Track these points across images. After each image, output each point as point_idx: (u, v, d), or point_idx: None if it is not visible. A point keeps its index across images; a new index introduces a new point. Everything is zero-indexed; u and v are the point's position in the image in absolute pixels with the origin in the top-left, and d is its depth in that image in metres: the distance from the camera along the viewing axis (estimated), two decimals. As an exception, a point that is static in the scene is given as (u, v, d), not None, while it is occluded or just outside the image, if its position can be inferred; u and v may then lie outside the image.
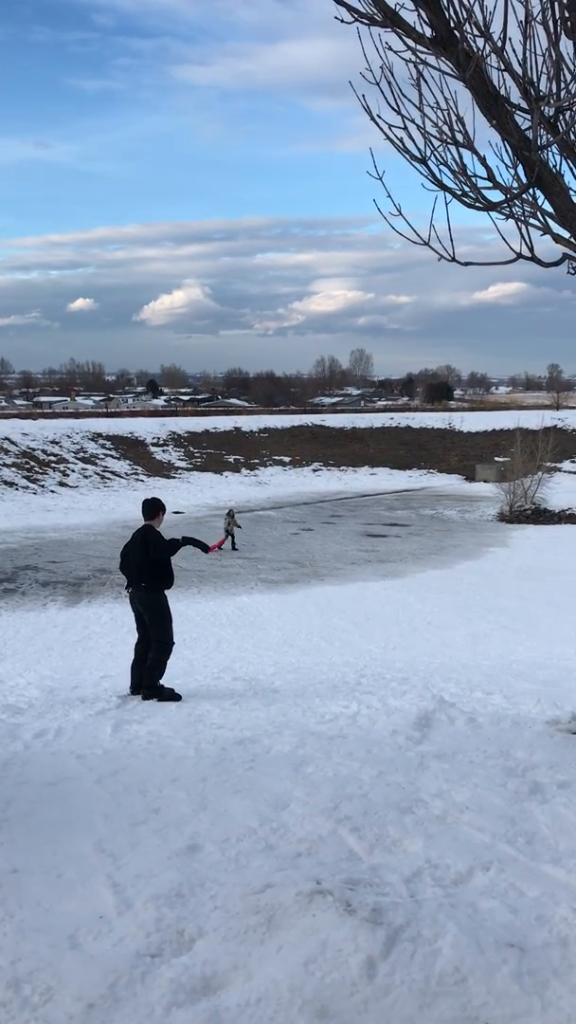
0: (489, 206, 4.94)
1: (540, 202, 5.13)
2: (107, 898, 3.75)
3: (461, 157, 5.01)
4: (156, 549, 8.94)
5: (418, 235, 5.66)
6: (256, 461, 48.40)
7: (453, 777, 5.15)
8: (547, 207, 5.36)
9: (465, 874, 3.80)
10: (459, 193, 5.04)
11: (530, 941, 3.14)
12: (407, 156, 4.80)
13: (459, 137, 5.43)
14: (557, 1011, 2.79)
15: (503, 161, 5.57)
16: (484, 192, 5.56)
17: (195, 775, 5.65)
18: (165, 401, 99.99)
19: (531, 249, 5.59)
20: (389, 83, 4.58)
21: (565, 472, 46.27)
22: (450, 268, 5.70)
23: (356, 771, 5.44)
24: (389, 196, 5.71)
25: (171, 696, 8.98)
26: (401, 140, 4.73)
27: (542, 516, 33.64)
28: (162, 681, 9.22)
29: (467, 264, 5.61)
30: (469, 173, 5.31)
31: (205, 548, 9.68)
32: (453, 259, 5.45)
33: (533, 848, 4.10)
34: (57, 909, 3.67)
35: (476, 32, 4.42)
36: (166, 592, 9.26)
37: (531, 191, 5.00)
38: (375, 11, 4.59)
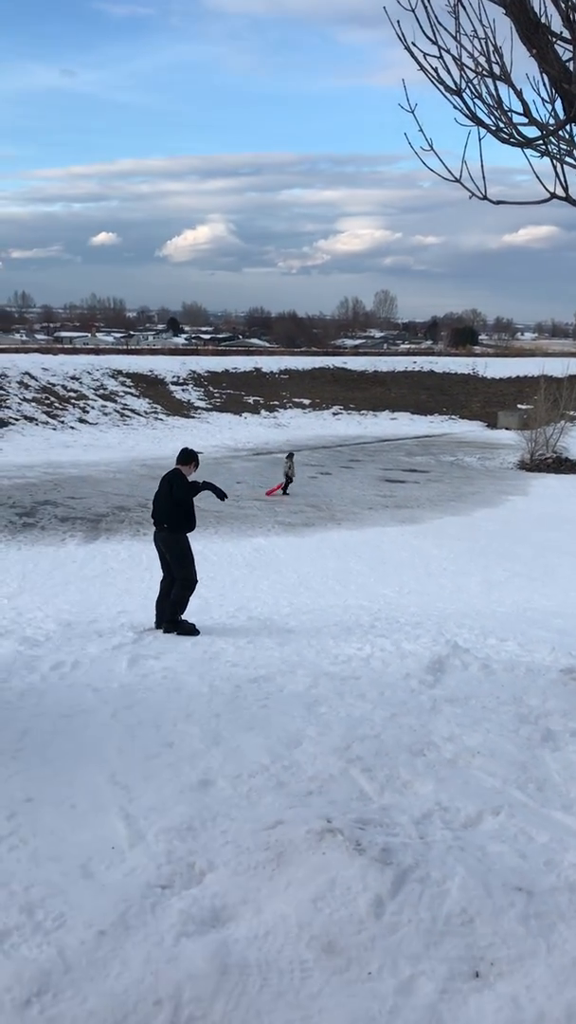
0: (524, 142, 4.77)
1: (578, 138, 4.94)
2: (120, 829, 3.80)
3: (497, 90, 4.83)
4: (179, 489, 9.27)
5: (450, 171, 5.48)
6: (276, 403, 48.11)
7: (465, 722, 5.16)
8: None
9: (475, 818, 3.82)
10: (494, 128, 4.87)
11: (538, 885, 3.16)
12: (441, 88, 4.62)
13: (496, 69, 5.22)
14: (562, 954, 2.81)
15: (540, 96, 5.36)
16: (519, 128, 5.38)
17: (209, 711, 5.70)
18: (185, 339, 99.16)
19: (565, 189, 5.40)
20: (426, 9, 4.38)
21: (588, 421, 45.78)
22: (480, 209, 5.56)
23: (368, 712, 5.47)
24: (421, 130, 5.51)
25: (191, 630, 9.31)
26: (436, 70, 4.55)
27: (563, 465, 33.39)
28: (184, 616, 9.50)
29: (499, 203, 5.44)
30: (505, 107, 5.13)
31: (222, 496, 9.85)
32: (485, 197, 5.28)
33: (544, 794, 4.12)
34: (70, 839, 3.73)
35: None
36: (188, 535, 9.51)
37: (568, 127, 4.81)
38: None
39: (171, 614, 9.42)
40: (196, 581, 9.60)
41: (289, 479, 25.99)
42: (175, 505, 9.29)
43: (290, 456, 26.78)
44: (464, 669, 6.61)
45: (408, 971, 2.73)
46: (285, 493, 25.76)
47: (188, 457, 9.71)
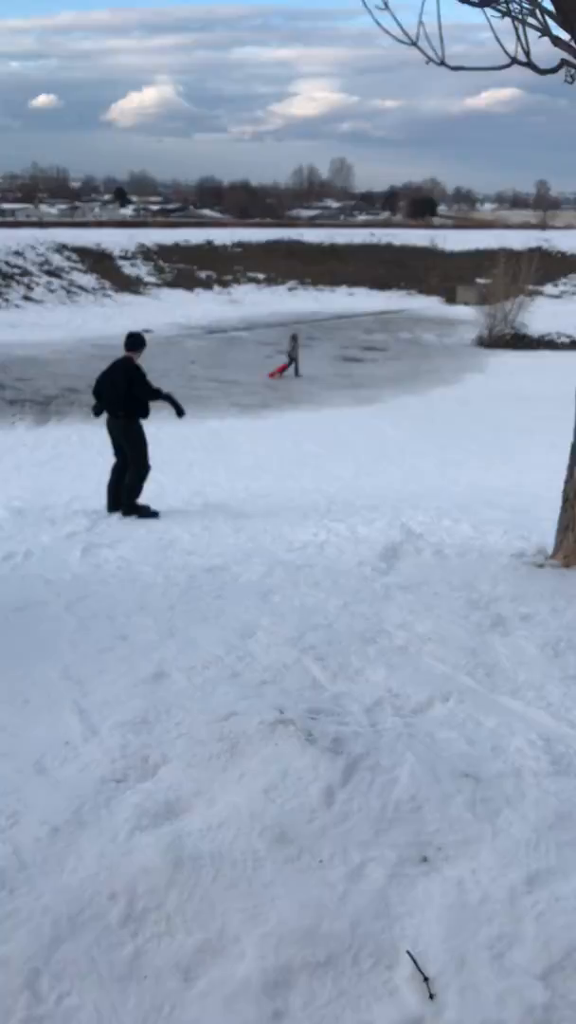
0: (484, 1, 4.45)
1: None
2: (73, 724, 3.82)
3: None
4: (141, 390, 9.36)
5: (405, 33, 5.14)
6: (229, 278, 46.86)
7: (417, 608, 5.22)
8: (547, 5, 4.85)
9: (425, 704, 3.90)
10: (453, -19, 4.53)
11: (485, 771, 3.24)
12: None
13: None
14: (507, 837, 2.91)
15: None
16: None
17: (163, 603, 5.70)
18: (134, 211, 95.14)
19: (527, 54, 5.10)
20: None
21: (547, 296, 45.40)
22: (441, 70, 5.21)
23: (322, 601, 5.50)
24: (375, -18, 5.13)
25: (149, 513, 9.51)
26: None
27: (521, 341, 33.23)
28: (140, 501, 9.66)
29: (457, 68, 5.13)
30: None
31: (181, 412, 9.94)
32: (442, 63, 4.97)
33: (492, 680, 4.20)
34: (23, 735, 3.74)
35: None
36: (142, 421, 9.59)
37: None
38: None
39: (127, 499, 9.56)
40: (149, 468, 9.77)
41: (292, 360, 25.55)
42: (132, 397, 9.33)
43: (294, 337, 26.34)
44: (417, 555, 6.66)
45: (358, 858, 2.80)
46: (297, 375, 25.39)
47: (138, 343, 9.70)
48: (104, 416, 9.73)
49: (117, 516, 9.43)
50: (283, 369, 25.72)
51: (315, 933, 2.53)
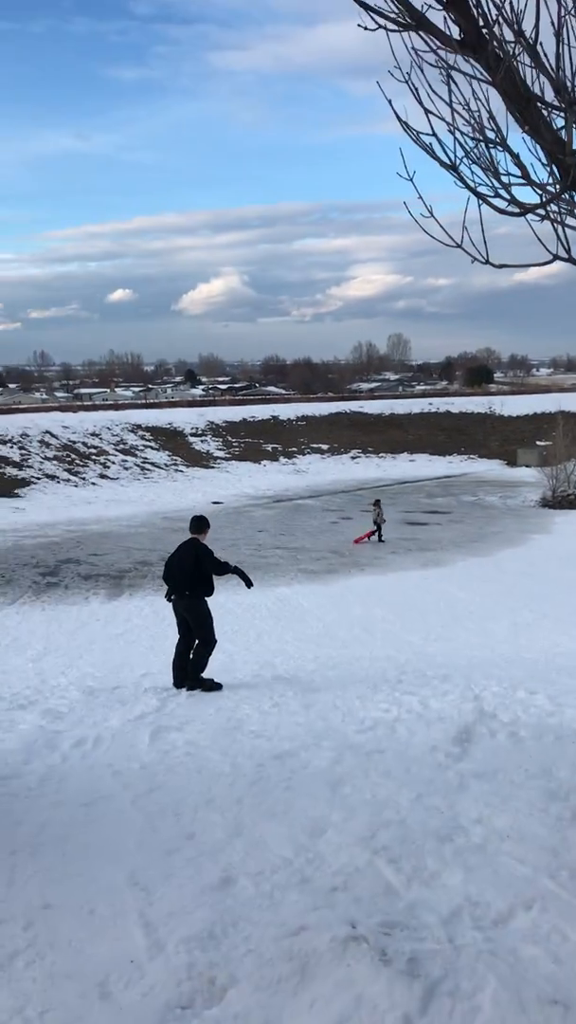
0: (523, 210, 4.75)
1: (576, 201, 4.92)
2: (139, 939, 3.68)
3: (493, 159, 4.82)
4: (211, 566, 9.74)
5: (451, 237, 5.47)
6: (294, 449, 48.32)
7: (493, 801, 5.01)
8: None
9: (506, 914, 3.67)
10: (492, 196, 4.86)
11: (574, 996, 3.01)
12: (437, 162, 4.63)
13: (491, 135, 5.24)
14: (602, 1078, 2.66)
15: (539, 159, 5.37)
16: (518, 192, 5.36)
17: (231, 796, 5.57)
18: (203, 390, 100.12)
19: (568, 251, 5.38)
20: (415, 89, 4.40)
21: (608, 455, 45.50)
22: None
23: (394, 793, 5.31)
24: (420, 198, 5.53)
25: (213, 686, 9.66)
26: (430, 146, 4.55)
27: (585, 501, 33.10)
28: (205, 674, 9.82)
29: (501, 267, 5.42)
30: (502, 172, 5.13)
31: (250, 584, 10.34)
32: (487, 262, 5.25)
33: (576, 883, 3.96)
34: (88, 951, 3.62)
35: (507, 32, 4.22)
36: (208, 600, 9.93)
37: (568, 194, 4.79)
38: (400, 12, 4.41)
39: (194, 673, 9.73)
40: (215, 642, 10.00)
41: (378, 525, 26.02)
42: (201, 576, 9.68)
43: (377, 503, 26.94)
44: (491, 737, 6.45)
45: None
46: (380, 540, 25.83)
47: (202, 525, 10.12)
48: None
49: (185, 693, 9.47)
50: (369, 535, 26.08)
51: None
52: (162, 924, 3.79)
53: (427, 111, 4.60)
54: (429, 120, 4.46)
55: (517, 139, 4.99)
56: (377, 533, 26.04)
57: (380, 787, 5.47)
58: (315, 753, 6.54)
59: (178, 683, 9.80)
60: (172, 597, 9.98)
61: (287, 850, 4.51)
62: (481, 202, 5.27)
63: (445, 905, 3.74)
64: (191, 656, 9.87)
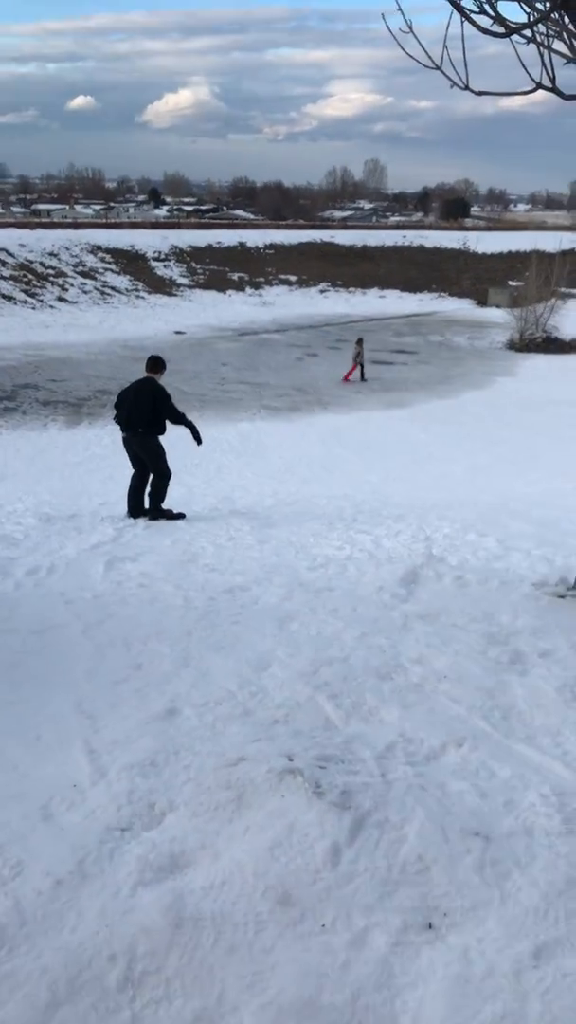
0: (508, 31, 4.36)
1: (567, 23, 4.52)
2: (83, 765, 3.79)
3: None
4: (167, 411, 9.84)
5: (431, 59, 5.03)
6: (261, 279, 46.87)
7: (435, 641, 5.15)
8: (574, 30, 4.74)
9: (438, 750, 3.82)
10: (476, 12, 4.44)
11: (495, 829, 3.17)
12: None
13: None
14: (515, 903, 2.84)
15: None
16: (505, 9, 4.92)
17: (180, 628, 5.67)
18: (167, 212, 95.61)
19: (552, 79, 5.00)
20: None
21: (580, 299, 44.83)
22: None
23: (339, 631, 5.44)
24: (400, 9, 5.06)
25: (175, 516, 9.97)
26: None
27: (553, 345, 32.88)
28: (165, 505, 10.11)
29: (481, 93, 5.04)
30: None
31: (199, 441, 10.34)
32: (467, 87, 4.89)
33: (508, 723, 4.12)
34: (33, 775, 3.72)
35: None
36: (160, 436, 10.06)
37: (558, 13, 4.40)
38: None
39: (153, 504, 9.99)
40: (171, 473, 10.20)
41: (360, 364, 25.64)
42: (155, 415, 9.76)
43: (359, 342, 26.39)
44: (438, 581, 6.58)
45: (362, 923, 2.75)
46: (363, 379, 25.50)
47: (159, 365, 10.09)
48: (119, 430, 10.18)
49: (143, 524, 9.60)
50: (350, 374, 25.77)
51: (315, 1004, 2.48)
52: (106, 751, 3.90)
53: None
54: None
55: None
56: (360, 371, 25.73)
57: (326, 624, 5.59)
58: (266, 588, 6.65)
59: (132, 513, 10.00)
60: (120, 423, 10.03)
61: (232, 683, 4.63)
62: (464, 19, 4.84)
63: (380, 740, 3.88)
64: (149, 489, 10.05)
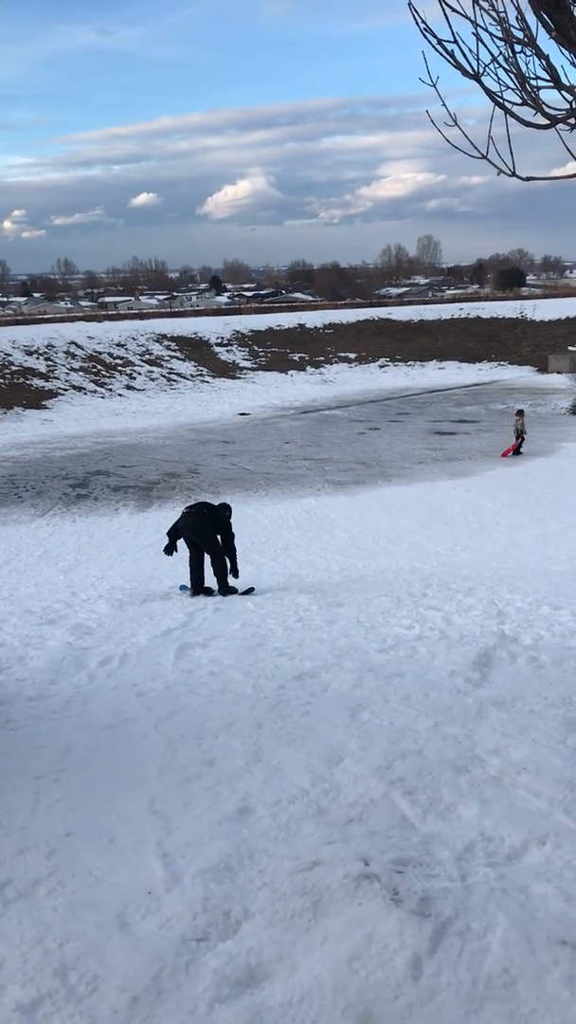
0: (551, 122, 4.44)
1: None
2: (157, 870, 3.75)
3: (518, 64, 4.48)
4: (227, 534, 10.76)
5: (476, 148, 5.17)
6: (321, 358, 47.63)
7: (511, 730, 5.01)
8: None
9: (519, 849, 3.69)
10: (519, 104, 4.54)
11: (584, 937, 3.03)
12: (460, 71, 4.32)
13: (518, 35, 4.87)
14: (609, 1021, 2.68)
15: (570, 63, 5.00)
16: (546, 96, 5.02)
17: (251, 720, 5.63)
18: (228, 298, 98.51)
19: (600, 161, 5.07)
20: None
21: None
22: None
23: (412, 720, 5.33)
24: (444, 105, 5.21)
25: (247, 591, 10.53)
26: (452, 54, 4.25)
27: (618, 409, 32.47)
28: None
29: (528, 179, 5.13)
30: (529, 77, 4.79)
31: (236, 574, 11.04)
32: (513, 174, 4.97)
33: (591, 818, 3.96)
34: (108, 880, 3.70)
35: None
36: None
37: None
38: None
39: (222, 582, 10.62)
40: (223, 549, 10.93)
41: (521, 436, 24.79)
42: (216, 541, 10.72)
43: (520, 413, 25.68)
44: (512, 662, 6.43)
45: (447, 1045, 2.63)
46: (519, 452, 24.65)
47: (229, 512, 11.14)
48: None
49: (213, 606, 9.76)
50: (515, 448, 25.00)
51: None
52: (179, 855, 3.85)
53: (449, 7, 4.27)
54: (449, 23, 4.14)
55: (546, 42, 4.65)
56: (519, 444, 24.73)
57: (399, 713, 5.49)
58: (336, 675, 6.58)
59: (196, 590, 10.66)
60: (170, 553, 11.07)
61: (304, 779, 4.56)
62: (507, 114, 4.95)
63: (459, 840, 3.76)
64: (214, 570, 10.70)
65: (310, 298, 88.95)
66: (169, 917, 3.38)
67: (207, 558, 10.85)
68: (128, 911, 3.45)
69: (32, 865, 3.85)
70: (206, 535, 10.67)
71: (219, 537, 10.68)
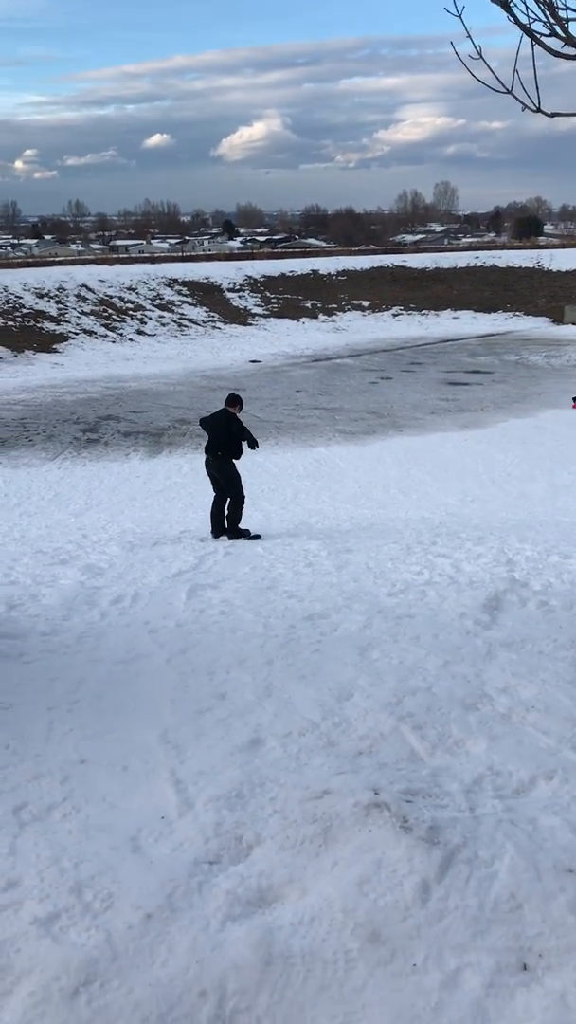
0: (581, 51, 4.31)
1: None
2: (169, 796, 3.82)
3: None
4: (237, 429, 10.98)
5: (501, 83, 5.04)
6: (334, 306, 47.08)
7: (520, 670, 5.04)
8: None
9: (527, 783, 3.73)
10: (547, 35, 4.41)
11: (590, 866, 3.08)
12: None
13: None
14: (613, 945, 2.74)
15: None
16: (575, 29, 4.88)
17: (262, 656, 5.68)
18: (241, 243, 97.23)
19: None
20: None
21: None
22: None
23: (422, 659, 5.37)
24: (469, 36, 5.06)
25: (252, 536, 10.73)
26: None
27: None
28: (242, 526, 11.00)
29: (553, 115, 5.01)
30: (559, 6, 4.64)
31: (254, 447, 11.34)
32: (538, 110, 4.86)
33: (600, 755, 4.00)
34: (121, 806, 3.76)
35: None
36: (235, 461, 11.06)
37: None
38: None
39: (231, 526, 10.85)
40: (244, 498, 11.12)
41: None
42: (230, 437, 10.89)
43: None
44: (522, 606, 6.45)
45: (454, 963, 2.69)
46: None
47: (236, 401, 11.32)
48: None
49: (223, 550, 9.84)
50: None
51: (408, 1047, 2.44)
52: (192, 782, 3.92)
53: None
54: None
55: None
56: None
57: (408, 653, 5.53)
58: (346, 616, 6.62)
59: (215, 533, 10.87)
60: (207, 455, 11.17)
61: (315, 713, 4.61)
62: (534, 42, 4.82)
63: (468, 773, 3.81)
64: (227, 513, 10.95)
65: (324, 244, 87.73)
66: (182, 841, 3.45)
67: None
68: (142, 835, 3.52)
69: (47, 790, 3.93)
70: (219, 435, 10.90)
71: (234, 439, 10.92)
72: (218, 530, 10.91)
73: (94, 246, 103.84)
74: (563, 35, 4.36)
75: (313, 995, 2.62)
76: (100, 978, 2.73)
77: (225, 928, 2.90)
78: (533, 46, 4.61)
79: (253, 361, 34.56)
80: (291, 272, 50.79)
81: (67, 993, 2.65)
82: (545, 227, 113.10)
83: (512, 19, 4.27)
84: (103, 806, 3.77)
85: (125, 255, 66.56)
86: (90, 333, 37.73)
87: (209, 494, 11.40)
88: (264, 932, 2.83)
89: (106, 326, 38.87)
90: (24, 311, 38.27)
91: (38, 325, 37.24)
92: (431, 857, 3.04)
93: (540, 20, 4.57)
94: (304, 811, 3.43)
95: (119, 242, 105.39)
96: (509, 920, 2.83)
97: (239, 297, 46.24)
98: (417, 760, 4.02)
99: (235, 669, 5.49)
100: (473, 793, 3.61)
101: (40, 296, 39.88)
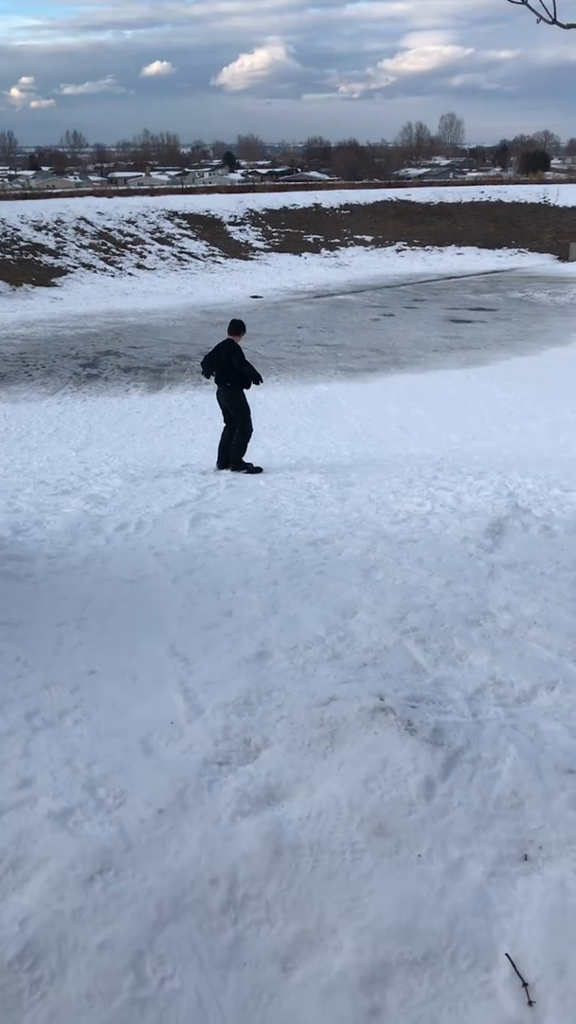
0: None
1: None
2: (178, 703, 3.90)
3: None
4: (240, 361, 10.81)
5: (516, -11, 4.91)
6: (336, 241, 46.32)
7: (523, 589, 5.10)
8: None
9: (529, 693, 3.81)
10: None
11: (590, 767, 3.16)
12: None
13: None
14: (612, 838, 2.83)
15: None
16: None
17: (267, 578, 5.74)
18: (242, 175, 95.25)
19: None
20: None
21: None
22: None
23: (424, 579, 5.44)
24: None
25: (253, 469, 10.72)
26: None
27: None
28: (246, 459, 10.99)
29: (569, 26, 4.88)
30: None
31: (259, 382, 11.23)
32: (554, 21, 4.73)
33: (600, 668, 4.08)
34: (131, 712, 3.85)
35: None
36: (245, 391, 10.98)
37: None
38: None
39: (235, 457, 10.83)
40: (251, 430, 11.11)
41: None
42: (235, 369, 10.71)
43: None
44: (524, 531, 6.50)
45: (457, 853, 2.78)
46: None
47: (239, 328, 11.15)
48: (214, 387, 11.10)
49: (226, 483, 9.84)
50: None
51: (412, 929, 2.53)
52: (200, 691, 4.00)
53: None
54: None
55: None
56: None
57: (411, 574, 5.59)
58: (349, 541, 6.67)
59: (220, 465, 10.86)
60: (209, 376, 11.14)
61: (319, 628, 4.68)
62: None
63: (470, 683, 3.89)
64: (232, 443, 10.93)
65: (327, 177, 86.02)
66: (192, 743, 3.53)
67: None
68: (152, 738, 3.60)
69: (58, 698, 4.01)
70: (224, 367, 10.76)
71: (238, 367, 10.81)
72: (223, 462, 10.86)
73: (92, 178, 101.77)
74: None
75: (321, 882, 2.71)
76: (115, 867, 2.82)
77: (235, 822, 2.99)
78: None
79: (254, 296, 34.13)
80: (293, 205, 49.87)
81: (83, 879, 2.75)
82: (552, 162, 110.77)
83: None
84: (113, 712, 3.85)
85: (124, 187, 65.24)
86: (89, 267, 37.21)
87: (211, 430, 11.41)
88: (273, 826, 2.92)
89: (105, 260, 38.30)
90: (22, 244, 37.67)
91: (36, 259, 36.70)
92: (435, 757, 3.12)
93: None
94: (311, 716, 3.51)
95: (118, 174, 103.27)
96: (511, 815, 2.92)
97: (240, 231, 45.48)
98: (420, 671, 4.10)
99: (241, 589, 5.55)
100: (476, 701, 3.69)
101: (38, 229, 39.23)
